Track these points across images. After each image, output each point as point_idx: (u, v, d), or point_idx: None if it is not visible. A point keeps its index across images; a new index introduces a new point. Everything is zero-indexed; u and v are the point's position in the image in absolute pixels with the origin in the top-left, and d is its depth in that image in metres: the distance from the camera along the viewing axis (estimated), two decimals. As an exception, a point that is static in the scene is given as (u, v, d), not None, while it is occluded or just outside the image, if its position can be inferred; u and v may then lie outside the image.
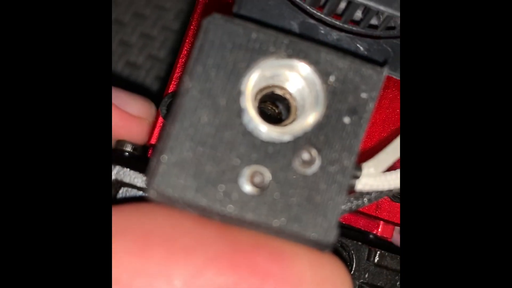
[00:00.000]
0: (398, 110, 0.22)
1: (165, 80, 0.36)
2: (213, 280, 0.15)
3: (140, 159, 0.23)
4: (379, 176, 0.17)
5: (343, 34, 0.18)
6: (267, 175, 0.15)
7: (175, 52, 0.37)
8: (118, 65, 0.37)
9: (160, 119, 0.21)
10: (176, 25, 0.38)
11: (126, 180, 0.19)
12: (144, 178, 0.19)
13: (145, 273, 0.15)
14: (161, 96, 0.37)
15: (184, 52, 0.21)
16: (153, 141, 0.21)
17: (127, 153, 0.26)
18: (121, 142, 0.26)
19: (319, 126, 0.16)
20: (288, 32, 0.17)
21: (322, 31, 0.18)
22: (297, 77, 0.16)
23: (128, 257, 0.15)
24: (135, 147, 0.26)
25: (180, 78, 0.21)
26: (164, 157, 0.15)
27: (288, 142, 0.16)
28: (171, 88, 0.21)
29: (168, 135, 0.15)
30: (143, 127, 0.26)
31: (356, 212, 0.22)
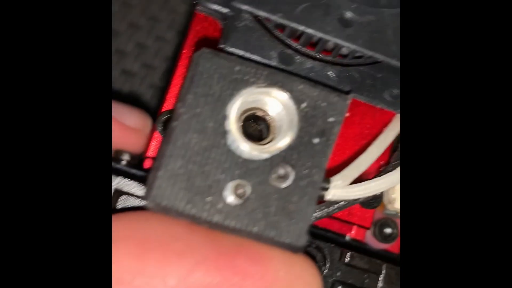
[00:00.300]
0: (368, 125, 0.24)
1: (159, 88, 0.37)
2: (201, 280, 0.17)
3: (137, 168, 0.25)
4: (346, 188, 0.20)
5: (316, 62, 0.21)
6: (248, 188, 0.18)
7: (168, 61, 0.38)
8: (114, 73, 0.38)
9: (155, 133, 0.23)
10: (169, 35, 0.39)
11: (125, 189, 0.21)
12: (142, 187, 0.21)
13: (143, 274, 0.17)
14: (155, 103, 0.39)
15: (177, 73, 0.23)
16: (148, 153, 0.24)
17: (124, 162, 0.28)
18: (119, 152, 0.28)
19: (292, 146, 0.18)
20: (267, 65, 0.19)
21: (298, 60, 0.21)
22: (275, 102, 0.19)
23: (128, 260, 0.17)
24: (132, 156, 0.29)
25: (173, 98, 0.23)
26: (160, 173, 0.17)
27: (266, 160, 0.18)
28: (165, 107, 0.23)
29: (163, 154, 0.18)
30: (140, 138, 0.28)
31: (331, 217, 0.24)
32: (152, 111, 0.36)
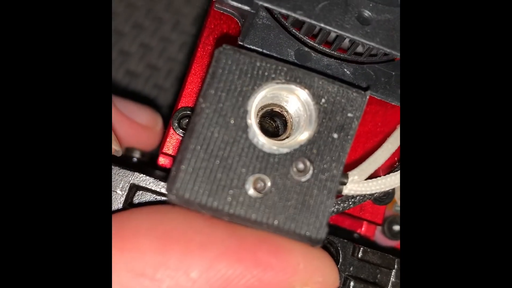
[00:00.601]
0: (379, 123, 0.25)
1: (163, 88, 0.38)
2: (223, 272, 0.17)
3: (152, 165, 0.25)
4: (362, 183, 0.20)
5: (332, 60, 0.21)
6: (268, 182, 0.18)
7: (172, 61, 0.38)
8: (118, 74, 0.38)
9: (171, 130, 0.23)
10: (174, 36, 0.39)
11: (142, 184, 0.22)
12: (157, 182, 0.22)
13: (166, 266, 0.17)
14: (159, 103, 0.39)
15: (192, 71, 0.24)
16: (163, 149, 0.24)
17: (135, 160, 0.28)
18: (130, 149, 0.29)
19: (312, 141, 0.19)
20: (286, 61, 0.20)
21: (315, 58, 0.21)
22: (294, 99, 0.19)
23: (151, 253, 0.17)
24: (143, 153, 0.29)
25: (189, 95, 0.23)
26: (183, 167, 0.18)
27: (286, 154, 0.18)
28: (181, 104, 0.23)
29: (186, 148, 0.18)
30: (151, 135, 0.28)
31: (343, 213, 0.25)
32: (157, 110, 0.36)
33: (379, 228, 0.27)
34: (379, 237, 0.28)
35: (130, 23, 0.37)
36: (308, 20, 0.19)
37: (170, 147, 0.24)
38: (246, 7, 0.19)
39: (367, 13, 0.19)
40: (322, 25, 0.19)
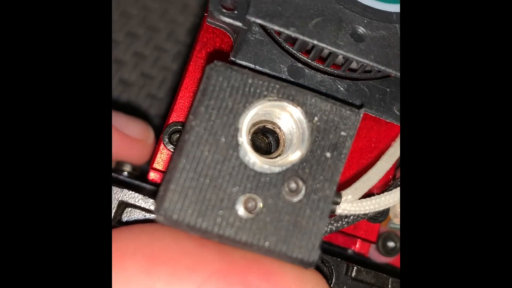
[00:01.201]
0: (373, 139, 0.25)
1: (156, 97, 0.37)
2: None
3: (142, 180, 0.24)
4: (356, 202, 0.20)
5: (326, 76, 0.21)
6: (260, 202, 0.18)
7: (166, 70, 0.38)
8: (112, 82, 0.38)
9: (161, 144, 0.23)
10: (168, 45, 0.39)
11: (131, 201, 0.21)
12: (147, 200, 0.21)
13: None
14: (153, 113, 0.39)
15: (184, 85, 0.23)
16: (153, 164, 0.23)
17: (126, 174, 0.28)
18: (120, 163, 0.28)
19: (304, 160, 0.18)
20: (278, 77, 0.19)
21: (308, 73, 0.21)
22: (287, 116, 0.19)
23: (139, 275, 0.17)
24: (134, 167, 0.28)
25: (180, 110, 0.23)
26: (171, 186, 0.17)
27: (278, 173, 0.18)
28: (172, 119, 0.23)
29: (175, 166, 0.17)
30: (142, 149, 0.28)
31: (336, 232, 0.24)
32: (150, 120, 0.36)
33: (373, 245, 0.27)
34: (373, 253, 0.27)
35: (124, 32, 0.37)
36: (301, 37, 0.18)
37: (160, 162, 0.23)
38: (238, 23, 0.19)
39: (361, 30, 0.19)
40: (315, 42, 0.18)
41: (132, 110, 0.37)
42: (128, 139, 0.27)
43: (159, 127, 0.36)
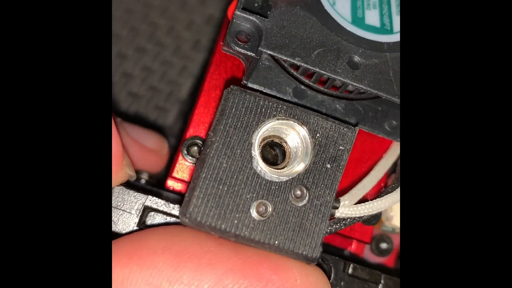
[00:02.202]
0: (367, 152, 0.27)
1: (163, 109, 0.40)
2: (230, 286, 0.20)
3: (161, 187, 0.27)
4: (352, 207, 0.23)
5: (325, 97, 0.24)
6: (270, 207, 0.21)
7: (173, 84, 0.41)
8: (121, 95, 0.39)
9: (180, 156, 0.26)
10: (174, 60, 0.41)
11: (154, 206, 0.24)
12: (168, 205, 0.24)
13: (180, 281, 0.19)
14: (160, 124, 0.41)
15: (199, 103, 0.26)
16: (172, 173, 0.26)
17: (143, 181, 0.31)
18: (139, 171, 0.31)
19: (308, 170, 0.21)
20: (285, 100, 0.22)
21: (310, 94, 0.24)
22: (293, 133, 0.22)
23: (167, 269, 0.19)
24: (151, 175, 0.31)
25: (197, 125, 0.26)
26: (195, 193, 0.20)
27: (286, 182, 0.21)
28: (189, 133, 0.26)
29: (198, 176, 0.20)
30: (158, 159, 0.31)
31: (335, 233, 0.27)
32: (157, 131, 0.39)
33: (368, 246, 0.29)
34: (368, 254, 0.30)
35: (134, 47, 0.39)
36: (305, 65, 0.21)
37: (179, 172, 0.26)
38: (251, 54, 0.22)
39: (356, 59, 0.22)
40: (317, 69, 0.21)
41: (141, 121, 0.39)
42: (146, 149, 0.30)
43: (167, 137, 0.39)
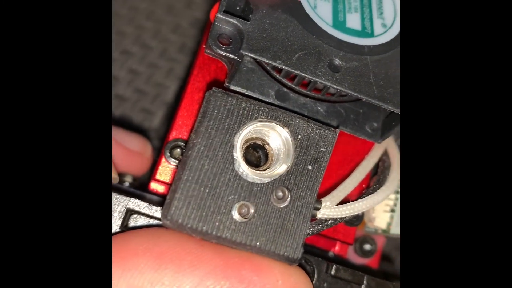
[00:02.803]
0: (349, 153, 0.28)
1: (149, 111, 0.40)
2: (212, 287, 0.20)
3: (144, 190, 0.27)
4: (334, 208, 0.23)
5: (308, 99, 0.24)
6: (252, 208, 0.21)
7: (159, 86, 0.41)
8: None
9: (163, 159, 0.26)
10: (161, 63, 0.41)
11: (136, 209, 0.24)
12: (150, 207, 0.24)
13: (161, 283, 0.19)
14: (146, 126, 0.41)
15: (182, 105, 0.26)
16: (155, 176, 0.26)
17: (127, 184, 0.30)
18: (122, 174, 0.31)
19: (290, 172, 0.21)
20: (268, 102, 0.23)
21: (292, 97, 0.24)
22: (274, 134, 0.22)
23: (149, 271, 0.19)
24: (134, 178, 0.31)
25: (180, 128, 0.26)
26: (176, 195, 0.20)
27: (267, 183, 0.21)
28: (171, 136, 0.26)
29: (179, 178, 0.20)
30: (142, 161, 0.31)
31: (318, 234, 0.27)
32: (143, 133, 0.38)
33: (351, 247, 0.29)
34: (352, 255, 0.30)
35: (119, 50, 0.39)
36: (286, 68, 0.21)
37: (162, 174, 0.26)
38: (233, 56, 0.22)
39: (337, 61, 0.22)
40: (298, 72, 0.22)
41: (126, 124, 0.39)
42: (129, 152, 0.30)
43: (153, 140, 0.39)
